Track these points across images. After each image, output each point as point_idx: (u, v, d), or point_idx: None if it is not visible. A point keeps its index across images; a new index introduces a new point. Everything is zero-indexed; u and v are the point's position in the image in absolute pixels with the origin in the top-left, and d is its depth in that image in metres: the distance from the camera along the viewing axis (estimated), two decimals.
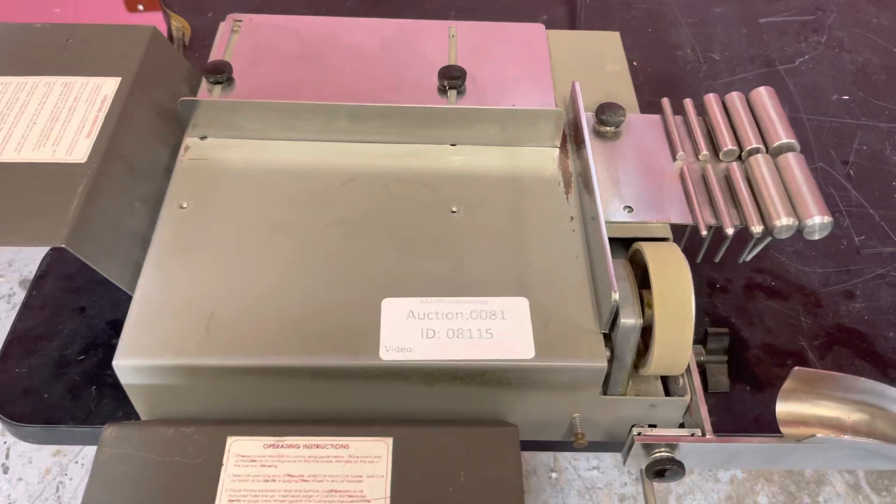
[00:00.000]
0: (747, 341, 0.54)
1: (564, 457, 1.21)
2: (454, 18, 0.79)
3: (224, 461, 0.39)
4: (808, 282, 0.58)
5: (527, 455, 1.07)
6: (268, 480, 0.38)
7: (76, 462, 1.21)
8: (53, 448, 1.21)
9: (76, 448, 1.21)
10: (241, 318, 0.44)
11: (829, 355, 0.53)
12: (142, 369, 0.42)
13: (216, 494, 0.38)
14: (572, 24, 0.79)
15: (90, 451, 1.27)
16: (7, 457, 1.24)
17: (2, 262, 1.53)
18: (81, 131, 0.48)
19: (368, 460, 0.39)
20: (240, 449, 0.40)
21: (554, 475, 1.19)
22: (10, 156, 0.47)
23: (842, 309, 0.56)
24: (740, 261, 0.52)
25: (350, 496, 0.38)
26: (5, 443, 1.25)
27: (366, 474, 0.39)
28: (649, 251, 0.43)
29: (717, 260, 0.52)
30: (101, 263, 0.44)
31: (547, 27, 0.64)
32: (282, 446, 0.40)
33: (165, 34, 0.78)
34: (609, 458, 1.20)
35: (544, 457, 1.21)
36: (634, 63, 0.75)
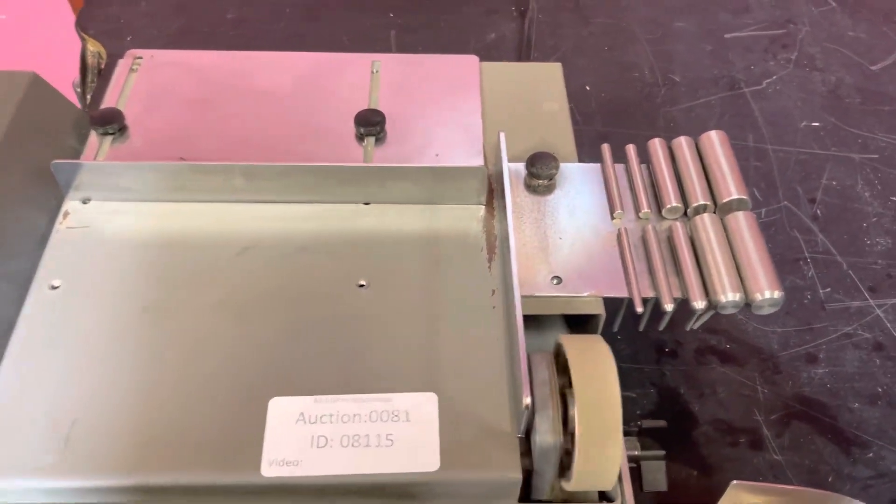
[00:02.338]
0: (696, 417, 0.49)
1: None
2: (394, 39, 0.73)
3: None
4: (767, 343, 0.52)
5: None
6: None
7: None
8: None
9: None
10: (105, 426, 0.38)
11: (787, 432, 0.48)
12: None
13: None
14: (521, 44, 0.73)
15: None
16: None
17: None
18: None
19: None
20: None
21: None
22: None
23: (803, 376, 0.51)
24: (687, 328, 0.47)
25: None
26: None
27: None
28: (571, 353, 0.37)
29: (661, 329, 0.47)
30: None
31: (496, 46, 0.58)
32: None
33: (80, 60, 0.72)
34: None
35: None
36: (587, 87, 0.69)
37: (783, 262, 0.54)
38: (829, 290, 0.55)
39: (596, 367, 0.37)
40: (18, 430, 0.38)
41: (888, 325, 0.53)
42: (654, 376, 0.51)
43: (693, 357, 0.52)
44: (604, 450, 0.36)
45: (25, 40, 0.97)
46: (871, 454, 0.47)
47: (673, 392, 0.50)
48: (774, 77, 0.70)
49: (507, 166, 0.47)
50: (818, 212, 0.59)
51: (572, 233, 0.47)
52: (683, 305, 0.44)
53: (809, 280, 0.56)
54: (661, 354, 0.52)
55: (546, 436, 0.36)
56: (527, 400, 0.36)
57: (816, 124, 0.66)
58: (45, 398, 0.39)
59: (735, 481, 0.36)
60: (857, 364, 0.51)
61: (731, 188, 0.46)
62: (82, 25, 0.74)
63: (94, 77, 0.71)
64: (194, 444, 0.38)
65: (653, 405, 0.49)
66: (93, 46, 0.72)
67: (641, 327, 0.47)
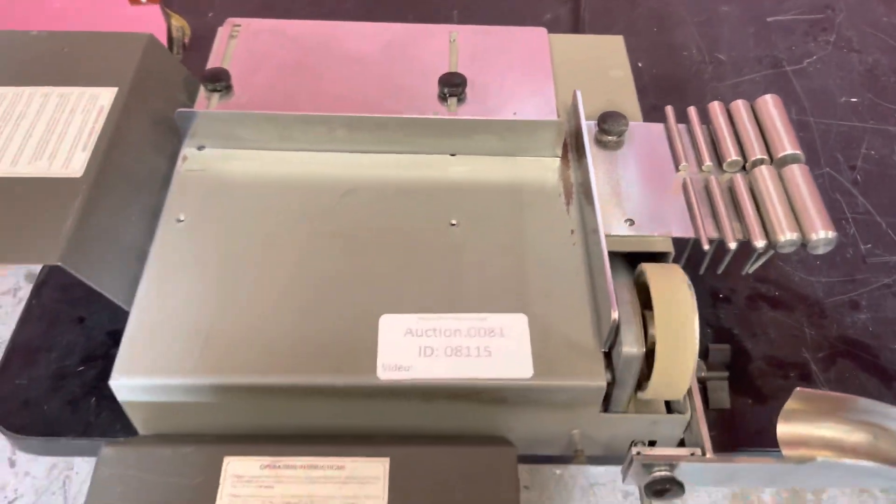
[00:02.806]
0: (750, 353, 0.54)
1: None
2: (456, 18, 0.79)
3: (221, 482, 0.39)
4: (813, 292, 0.57)
5: None
6: (264, 501, 0.38)
7: (83, 458, 1.22)
8: None
9: None
10: (237, 335, 0.43)
11: (833, 368, 0.53)
12: (139, 388, 0.42)
13: None
14: (576, 24, 0.78)
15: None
16: (14, 451, 1.25)
17: None
18: (78, 144, 0.48)
19: (366, 481, 0.39)
20: (237, 469, 0.39)
21: (558, 472, 1.19)
22: (5, 169, 0.46)
23: (846, 320, 0.55)
24: (743, 273, 0.51)
25: None
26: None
27: (363, 495, 0.39)
28: (652, 276, 0.42)
29: (719, 272, 0.51)
30: (97, 280, 0.44)
31: (551, 27, 0.63)
32: (278, 467, 0.40)
33: (166, 34, 0.78)
34: None
35: None
36: (639, 64, 0.74)
37: None
38: (869, 246, 0.60)
39: (674, 288, 0.41)
40: (161, 338, 0.43)
41: None
42: (710, 318, 0.55)
43: (745, 303, 0.56)
44: (680, 363, 0.41)
45: (83, 24, 1.03)
46: None
47: (728, 332, 0.55)
48: (814, 57, 0.75)
49: (584, 120, 0.52)
50: (858, 177, 0.64)
51: (641, 182, 0.52)
52: (738, 257, 0.49)
53: (851, 237, 0.60)
54: (716, 300, 0.57)
55: (632, 347, 0.41)
56: (615, 314, 0.41)
57: (855, 100, 0.70)
58: (182, 311, 0.44)
59: (798, 388, 0.40)
60: None
61: (786, 144, 0.51)
62: (166, 2, 0.79)
63: (179, 50, 0.76)
64: (317, 351, 0.43)
65: (709, 342, 0.54)
66: (177, 22, 0.78)
67: (702, 270, 0.52)
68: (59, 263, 0.42)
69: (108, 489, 0.39)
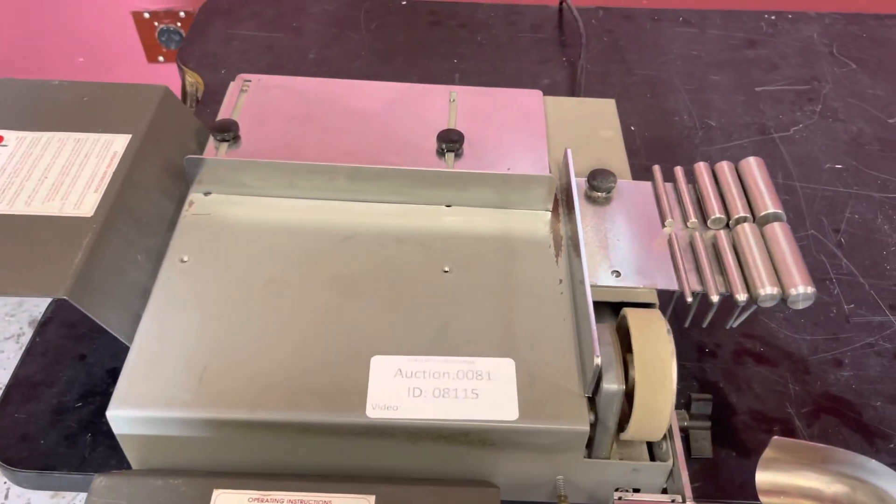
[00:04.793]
0: (734, 407, 0.55)
1: None
2: (458, 80, 0.82)
3: None
4: (797, 349, 0.58)
5: None
6: None
7: (78, 496, 1.21)
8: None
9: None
10: (233, 372, 0.45)
11: (817, 423, 0.54)
12: (134, 420, 0.44)
13: None
14: (573, 89, 0.81)
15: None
16: (6, 497, 1.24)
17: (12, 302, 1.56)
18: (90, 186, 0.50)
19: None
20: (225, 502, 0.40)
21: None
22: (19, 209, 0.49)
23: (830, 377, 0.56)
24: (727, 327, 0.53)
25: None
26: (5, 483, 1.25)
27: None
28: (632, 317, 0.44)
29: (704, 325, 0.53)
30: (101, 315, 0.46)
31: (548, 91, 0.66)
32: (266, 500, 0.40)
33: (181, 89, 0.81)
34: None
35: None
36: (632, 127, 0.77)
37: None
38: (852, 306, 0.61)
39: (653, 328, 0.43)
40: (159, 373, 0.45)
41: None
42: (696, 372, 0.57)
43: (731, 357, 0.58)
44: (658, 399, 0.42)
45: (105, 79, 1.07)
46: (892, 445, 0.52)
47: (713, 386, 0.56)
48: (801, 125, 0.78)
49: (574, 177, 0.54)
50: (842, 240, 0.66)
51: (628, 237, 0.54)
52: (721, 313, 0.50)
53: (835, 297, 0.62)
54: (702, 354, 0.58)
55: (612, 384, 0.42)
56: (598, 359, 0.43)
57: (839, 166, 0.73)
58: (180, 347, 0.46)
59: (776, 437, 0.41)
60: (879, 369, 0.57)
61: (768, 203, 0.53)
62: (183, 59, 0.83)
63: (193, 103, 0.80)
64: (309, 389, 0.44)
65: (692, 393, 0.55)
66: (191, 77, 0.81)
67: (687, 323, 0.53)
68: (66, 297, 0.44)
69: None
